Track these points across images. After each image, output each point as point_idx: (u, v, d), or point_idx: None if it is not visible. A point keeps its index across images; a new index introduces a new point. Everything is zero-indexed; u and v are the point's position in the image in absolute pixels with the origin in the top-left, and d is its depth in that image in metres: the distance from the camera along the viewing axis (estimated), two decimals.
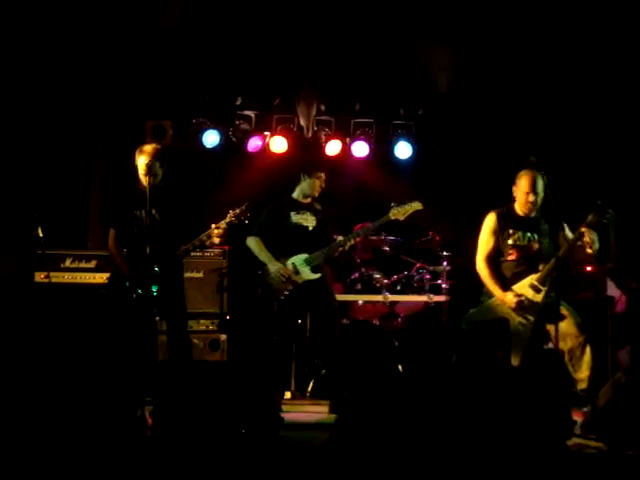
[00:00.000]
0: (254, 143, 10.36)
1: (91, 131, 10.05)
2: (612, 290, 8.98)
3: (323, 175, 7.56)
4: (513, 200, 7.21)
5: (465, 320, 7.15)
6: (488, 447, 6.24)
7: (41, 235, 8.05)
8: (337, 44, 9.68)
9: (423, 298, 9.41)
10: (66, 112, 9.81)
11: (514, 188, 7.18)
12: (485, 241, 7.17)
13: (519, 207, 7.15)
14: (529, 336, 6.85)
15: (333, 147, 10.42)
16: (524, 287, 6.96)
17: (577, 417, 6.62)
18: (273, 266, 7.33)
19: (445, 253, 9.45)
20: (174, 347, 7.13)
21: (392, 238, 9.63)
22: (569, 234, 6.97)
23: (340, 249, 7.38)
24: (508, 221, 7.13)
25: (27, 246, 8.67)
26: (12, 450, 5.58)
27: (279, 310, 7.35)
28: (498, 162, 9.85)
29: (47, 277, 8.32)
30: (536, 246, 7.04)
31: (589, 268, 9.19)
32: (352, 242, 7.45)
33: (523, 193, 7.09)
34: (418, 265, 9.66)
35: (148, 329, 6.88)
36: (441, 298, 9.37)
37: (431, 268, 9.55)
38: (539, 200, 7.06)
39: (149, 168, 6.90)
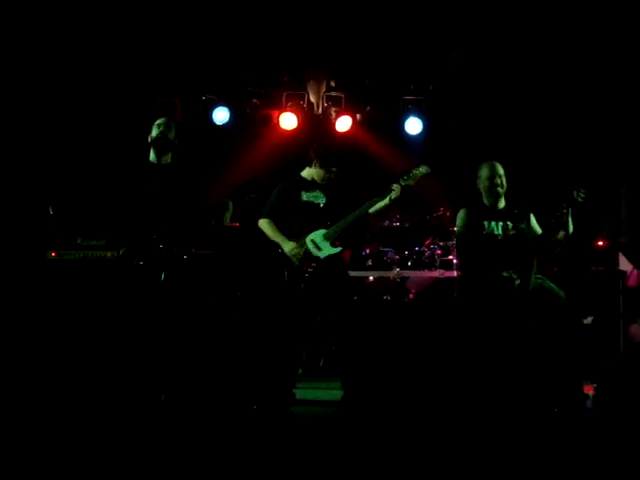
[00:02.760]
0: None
1: (102, 107, 9.98)
2: (624, 264, 8.94)
3: (335, 170, 7.48)
4: (480, 196, 7.27)
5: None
6: (498, 422, 6.22)
7: (52, 213, 8.01)
8: (346, 20, 9.61)
9: (434, 274, 9.35)
10: (76, 89, 9.76)
11: (478, 182, 7.34)
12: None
13: (487, 198, 7.22)
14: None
15: (343, 123, 10.35)
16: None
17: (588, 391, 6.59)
18: (287, 246, 7.26)
19: (456, 229, 9.32)
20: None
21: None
22: (535, 224, 7.18)
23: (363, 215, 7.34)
24: (480, 214, 7.18)
25: (39, 224, 8.65)
26: (24, 430, 5.59)
27: (306, 289, 7.28)
28: (509, 137, 9.77)
29: (58, 254, 8.29)
30: (512, 233, 7.10)
31: (600, 243, 9.14)
32: (376, 208, 7.36)
33: (487, 179, 7.24)
34: (429, 241, 9.59)
35: (158, 301, 6.83)
36: (452, 273, 9.32)
37: (442, 244, 9.50)
38: (504, 183, 7.23)
39: (166, 139, 6.86)
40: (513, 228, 7.14)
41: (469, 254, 7.29)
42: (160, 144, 6.87)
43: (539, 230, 7.19)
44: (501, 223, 7.17)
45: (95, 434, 5.74)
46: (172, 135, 6.97)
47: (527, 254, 6.94)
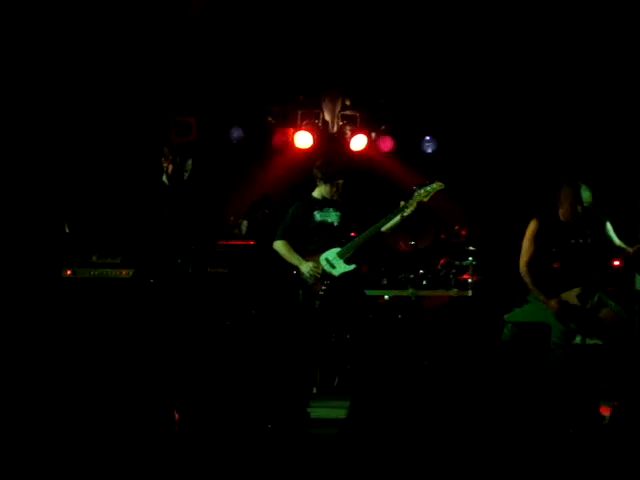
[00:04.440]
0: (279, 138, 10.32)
1: (117, 128, 10.01)
2: None
3: (340, 182, 7.45)
4: (556, 207, 7.13)
5: (507, 319, 7.10)
6: (512, 441, 6.16)
7: (68, 231, 8.01)
8: (361, 39, 9.64)
9: (449, 293, 9.31)
10: (93, 108, 9.80)
11: (559, 195, 7.13)
12: (527, 247, 7.11)
13: (563, 215, 7.08)
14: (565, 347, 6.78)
15: (358, 142, 10.37)
16: (571, 295, 6.88)
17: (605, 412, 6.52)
18: (305, 267, 7.25)
19: (471, 248, 9.34)
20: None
21: None
22: (613, 236, 7.06)
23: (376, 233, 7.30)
24: (552, 228, 7.06)
25: (54, 242, 8.67)
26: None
27: (321, 307, 7.26)
28: (524, 157, 9.74)
29: (73, 272, 8.29)
30: (582, 251, 6.98)
31: (617, 262, 9.08)
32: (389, 225, 7.32)
33: (569, 204, 7.05)
34: (444, 260, 9.55)
35: (172, 326, 6.82)
36: (467, 293, 9.27)
37: (457, 263, 9.44)
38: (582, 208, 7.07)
39: (180, 166, 6.87)
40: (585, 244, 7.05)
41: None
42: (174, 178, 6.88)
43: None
44: (572, 240, 7.04)
45: (109, 454, 5.70)
46: (187, 164, 6.98)
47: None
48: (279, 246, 7.44)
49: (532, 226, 7.15)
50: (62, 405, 6.56)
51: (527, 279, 7.03)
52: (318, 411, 7.32)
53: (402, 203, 7.19)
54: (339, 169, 7.46)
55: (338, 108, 10.43)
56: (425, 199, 7.22)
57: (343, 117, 10.44)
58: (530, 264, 7.05)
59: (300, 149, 10.34)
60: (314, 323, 7.29)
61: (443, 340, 9.04)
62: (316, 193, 7.52)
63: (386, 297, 9.54)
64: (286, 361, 7.88)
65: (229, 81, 10.09)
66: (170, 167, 6.91)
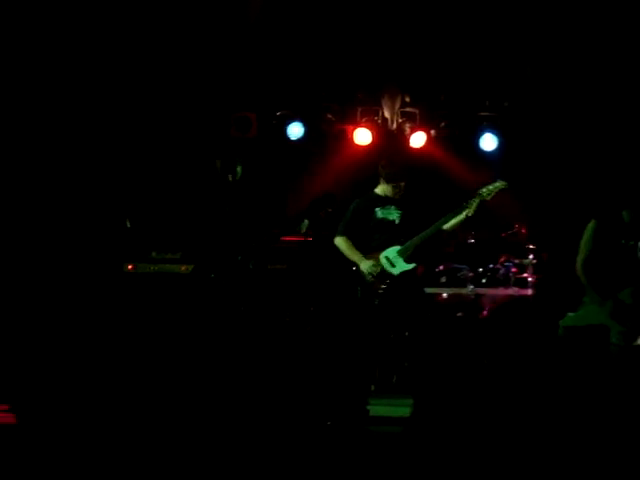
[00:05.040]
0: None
1: (179, 123, 10.08)
2: None
3: (402, 184, 7.42)
4: (617, 207, 7.02)
5: (562, 324, 7.01)
6: (575, 439, 6.09)
7: (129, 226, 8.10)
8: (421, 36, 9.56)
9: (509, 291, 9.22)
10: (155, 105, 9.89)
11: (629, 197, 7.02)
12: (584, 246, 7.02)
13: (628, 216, 6.98)
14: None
15: (418, 139, 10.29)
16: (626, 294, 6.78)
17: None
18: (365, 264, 7.24)
19: (531, 246, 9.25)
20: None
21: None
22: None
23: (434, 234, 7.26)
24: (613, 229, 6.95)
25: (117, 238, 8.77)
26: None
27: (380, 305, 7.25)
28: (588, 154, 9.60)
29: (135, 267, 8.38)
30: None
31: None
32: (451, 224, 7.29)
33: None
34: (504, 258, 9.47)
35: (231, 321, 6.87)
36: (527, 292, 9.17)
37: (517, 261, 9.36)
38: None
39: (227, 167, 6.92)
40: None
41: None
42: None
43: None
44: (632, 242, 6.85)
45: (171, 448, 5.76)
46: (234, 165, 7.02)
47: None
48: (340, 242, 7.43)
49: (591, 226, 7.05)
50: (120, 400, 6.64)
51: (583, 278, 6.94)
52: (377, 409, 7.27)
53: (468, 202, 7.12)
54: (403, 171, 7.42)
55: (397, 105, 10.35)
56: (488, 198, 7.15)
57: (402, 114, 10.34)
58: (586, 263, 6.95)
59: (359, 146, 10.27)
60: (373, 320, 7.26)
61: (503, 338, 8.95)
62: (379, 190, 7.49)
63: (444, 295, 9.47)
64: (345, 358, 7.88)
65: (289, 78, 10.08)
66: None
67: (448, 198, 9.09)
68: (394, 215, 7.34)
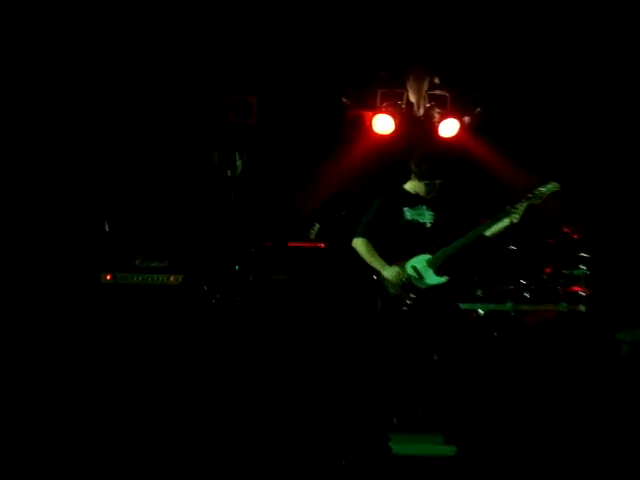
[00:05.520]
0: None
1: (165, 108, 10.03)
2: None
3: (438, 182, 7.38)
4: None
5: (621, 339, 6.96)
6: None
7: (108, 230, 8.06)
8: (452, 5, 9.51)
9: (557, 308, 9.15)
10: (137, 88, 9.86)
11: None
12: None
13: None
14: None
15: (448, 127, 10.28)
16: None
17: None
18: (388, 272, 7.18)
19: (584, 255, 9.16)
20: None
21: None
22: None
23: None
24: None
25: (92, 243, 8.73)
26: None
27: (404, 322, 7.21)
28: None
29: (114, 278, 8.34)
30: None
31: None
32: (492, 231, 7.24)
33: None
34: (551, 268, 9.41)
35: (231, 343, 6.83)
36: (579, 308, 9.10)
37: (566, 272, 9.29)
38: None
39: (225, 160, 6.86)
40: None
41: None
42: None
43: None
44: None
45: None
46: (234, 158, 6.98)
47: None
48: (359, 245, 7.36)
49: None
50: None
51: None
52: (400, 446, 7.18)
53: (514, 206, 7.05)
54: (440, 166, 7.35)
55: (425, 87, 10.31)
56: (538, 202, 7.10)
57: (431, 98, 10.32)
58: None
59: (379, 135, 10.23)
60: (395, 340, 7.19)
61: (549, 365, 8.88)
62: (408, 186, 7.42)
63: (480, 312, 9.41)
64: (362, 384, 7.86)
65: (296, 53, 10.01)
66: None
67: (488, 199, 9.10)
68: (426, 217, 7.27)
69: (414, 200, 7.31)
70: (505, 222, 7.05)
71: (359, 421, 7.28)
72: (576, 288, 9.25)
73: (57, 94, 9.43)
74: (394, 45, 9.91)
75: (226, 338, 6.77)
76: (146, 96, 9.86)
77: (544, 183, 7.08)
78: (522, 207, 7.02)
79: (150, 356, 7.99)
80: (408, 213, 7.26)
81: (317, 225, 6.86)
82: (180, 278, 7.88)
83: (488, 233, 7.13)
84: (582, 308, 9.09)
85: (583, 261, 9.20)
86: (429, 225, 7.23)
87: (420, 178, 7.26)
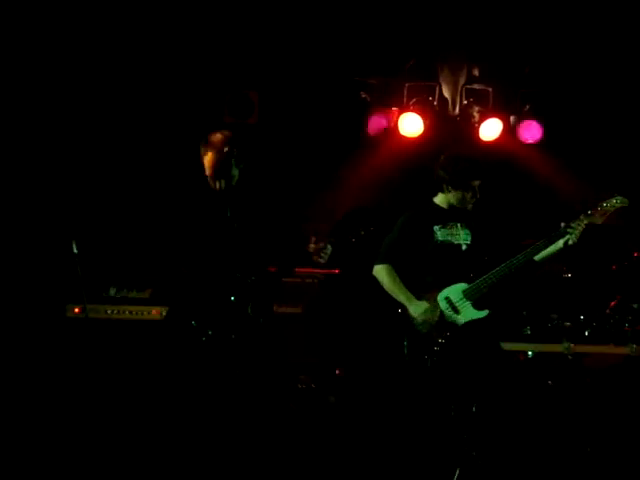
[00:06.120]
0: (377, 123, 10.26)
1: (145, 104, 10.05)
2: None
3: (477, 183, 7.39)
4: None
5: None
6: None
7: (76, 252, 8.06)
8: None
9: (623, 350, 9.11)
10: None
11: None
12: None
13: None
14: None
15: (491, 129, 10.31)
16: None
17: None
18: (416, 308, 7.18)
19: None
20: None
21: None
22: None
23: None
24: None
25: (58, 268, 8.72)
26: None
27: (436, 366, 7.20)
28: None
29: (83, 311, 8.33)
30: None
31: None
32: (544, 254, 7.23)
33: None
34: (616, 301, 9.37)
35: (224, 387, 6.79)
36: None
37: (636, 306, 9.25)
38: None
39: (219, 168, 6.83)
40: None
41: None
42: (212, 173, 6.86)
43: None
44: None
45: None
46: (229, 166, 6.96)
47: None
48: (381, 272, 7.37)
49: None
50: None
51: None
52: None
53: (570, 224, 7.04)
54: (475, 167, 7.36)
55: (462, 80, 10.36)
56: (599, 221, 7.08)
57: (469, 93, 10.36)
58: None
59: (407, 138, 10.28)
60: (425, 388, 7.21)
61: (614, 416, 8.83)
62: (440, 200, 7.42)
63: (529, 353, 9.38)
64: (385, 441, 7.91)
65: (306, 41, 10.06)
66: (206, 167, 6.89)
67: (537, 216, 9.09)
68: (461, 237, 7.28)
69: (446, 216, 7.31)
70: (559, 244, 7.04)
71: None
72: None
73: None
74: (424, 28, 9.93)
75: (218, 384, 6.71)
76: (123, 90, 9.90)
77: (608, 197, 7.06)
78: (580, 226, 7.00)
79: (127, 407, 7.99)
80: (439, 233, 7.27)
81: (330, 247, 6.82)
82: (164, 311, 7.85)
83: (538, 257, 7.12)
84: None
85: None
86: (465, 247, 7.25)
87: (453, 185, 7.28)
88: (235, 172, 6.90)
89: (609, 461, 8.26)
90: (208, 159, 6.86)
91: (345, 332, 9.21)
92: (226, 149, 6.86)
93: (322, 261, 6.90)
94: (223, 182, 6.75)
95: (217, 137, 6.93)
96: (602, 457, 8.32)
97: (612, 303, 9.45)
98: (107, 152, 9.95)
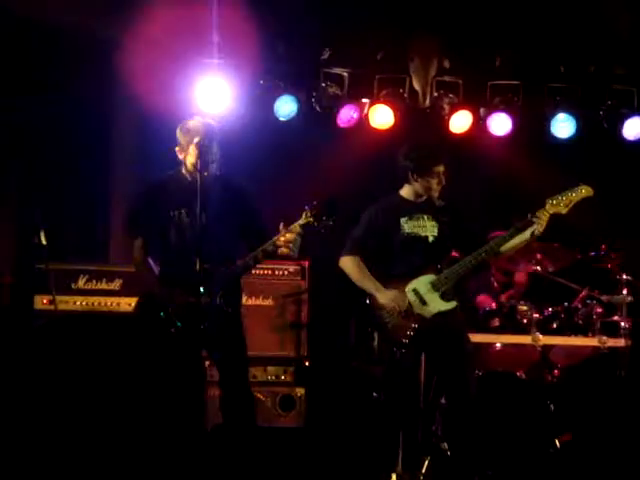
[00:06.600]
0: (347, 115, 10.25)
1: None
2: None
3: (442, 168, 7.39)
4: None
5: None
6: None
7: (44, 243, 8.01)
8: None
9: (592, 341, 9.11)
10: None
11: None
12: None
13: None
14: None
15: (461, 121, 10.32)
16: None
17: None
18: (384, 296, 7.17)
19: (626, 277, 9.14)
20: (230, 405, 6.99)
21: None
22: None
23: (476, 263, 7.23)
24: None
25: (24, 259, 8.66)
26: None
27: (404, 358, 7.20)
28: None
29: (52, 302, 8.28)
30: None
31: None
32: (511, 245, 7.24)
33: None
34: (584, 293, 9.39)
35: (193, 378, 6.77)
36: (619, 342, 9.05)
37: (604, 298, 9.27)
38: None
39: (203, 155, 6.81)
40: None
41: None
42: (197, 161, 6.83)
43: None
44: None
45: None
46: (212, 151, 6.95)
47: None
48: (348, 263, 7.36)
49: None
50: None
51: None
52: None
53: (535, 214, 7.06)
54: (437, 151, 7.38)
55: (432, 72, 10.32)
56: (564, 210, 7.10)
57: (439, 85, 10.32)
58: None
59: (376, 130, 10.28)
60: (394, 381, 7.21)
61: (583, 410, 8.85)
62: (406, 192, 7.42)
63: (498, 345, 9.38)
64: (353, 434, 8.05)
65: (277, 34, 9.98)
66: (191, 155, 6.86)
67: (505, 206, 9.10)
68: (428, 229, 7.28)
69: (413, 208, 7.32)
70: (526, 234, 7.05)
71: (354, 478, 7.30)
72: (616, 318, 9.20)
73: None
74: (395, 19, 9.89)
75: (188, 376, 6.69)
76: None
77: (573, 187, 7.09)
78: (546, 215, 7.02)
79: (96, 398, 7.94)
80: (406, 225, 7.27)
81: (299, 239, 6.80)
82: (134, 303, 7.80)
83: (505, 248, 7.13)
84: (623, 342, 9.03)
85: (625, 285, 9.12)
86: (432, 239, 7.25)
87: (418, 173, 7.28)
88: (215, 158, 6.91)
89: (576, 452, 8.29)
90: (189, 148, 6.85)
91: (316, 323, 9.19)
92: (208, 139, 6.86)
93: (292, 254, 6.89)
94: (198, 173, 6.74)
95: (199, 125, 6.94)
96: (570, 448, 8.36)
97: (581, 295, 9.47)
98: (78, 141, 9.88)
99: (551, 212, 7.08)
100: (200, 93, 9.65)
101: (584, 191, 7.12)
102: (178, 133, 6.98)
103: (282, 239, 6.76)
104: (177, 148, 6.95)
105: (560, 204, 7.08)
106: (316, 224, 6.83)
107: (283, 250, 6.83)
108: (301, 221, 6.82)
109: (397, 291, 7.13)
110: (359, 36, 10.08)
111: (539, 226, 7.03)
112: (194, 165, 6.79)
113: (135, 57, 9.20)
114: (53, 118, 9.64)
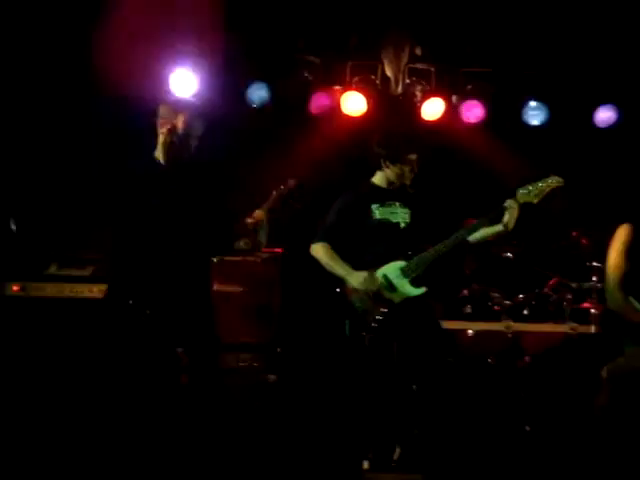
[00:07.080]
0: (319, 102, 10.24)
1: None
2: None
3: (414, 156, 7.40)
4: None
5: (608, 371, 6.96)
6: None
7: (14, 228, 7.99)
8: None
9: (562, 328, 9.16)
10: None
11: None
12: (618, 264, 6.99)
13: None
14: None
15: (433, 108, 10.33)
16: None
17: None
18: (354, 279, 7.17)
19: (595, 264, 9.17)
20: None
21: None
22: None
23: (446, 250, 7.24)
24: None
25: None
26: None
27: (373, 344, 7.20)
28: None
29: (23, 289, 8.26)
30: None
31: None
32: (481, 235, 7.26)
33: None
34: (555, 280, 9.41)
35: (163, 365, 6.77)
36: (589, 328, 9.11)
37: (574, 285, 9.31)
38: None
39: (186, 135, 6.81)
40: None
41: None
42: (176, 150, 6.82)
43: None
44: None
45: None
46: (195, 132, 6.94)
47: None
48: (319, 250, 7.34)
49: (623, 233, 7.04)
50: None
51: (620, 305, 6.90)
52: None
53: (506, 204, 7.07)
54: (410, 139, 7.38)
55: (405, 59, 10.34)
56: (535, 200, 7.12)
57: (412, 72, 10.34)
58: (623, 286, 6.93)
59: (349, 117, 10.29)
60: (364, 365, 7.20)
61: (552, 395, 8.89)
62: (378, 179, 7.43)
63: (470, 332, 9.42)
64: (325, 421, 7.98)
65: (250, 19, 9.97)
66: (167, 137, 6.84)
67: (477, 195, 9.12)
68: (399, 216, 7.27)
69: (385, 195, 7.30)
70: (497, 227, 7.08)
71: (322, 469, 7.28)
72: (586, 305, 9.24)
73: None
74: (367, 6, 9.89)
75: (156, 363, 6.69)
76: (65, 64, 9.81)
77: (544, 177, 7.11)
78: (517, 204, 7.04)
79: (66, 386, 7.93)
80: (377, 211, 7.26)
81: (267, 226, 6.82)
82: (104, 288, 7.80)
83: (475, 237, 7.15)
84: (593, 329, 9.06)
85: (595, 272, 9.16)
86: (403, 225, 7.24)
87: (391, 160, 7.28)
88: (190, 149, 6.90)
89: (547, 439, 8.32)
90: (165, 135, 6.82)
91: (287, 312, 9.19)
92: (186, 126, 6.85)
93: (261, 240, 6.91)
94: (173, 155, 6.74)
95: (176, 113, 6.92)
96: (541, 435, 8.39)
97: (551, 282, 9.51)
98: (52, 125, 9.84)
99: (521, 201, 7.09)
100: (173, 79, 9.64)
101: (554, 181, 7.14)
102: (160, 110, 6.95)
103: (250, 222, 6.78)
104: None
105: (530, 194, 7.10)
106: (280, 206, 6.85)
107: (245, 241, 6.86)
108: (266, 205, 6.84)
109: (368, 273, 7.13)
110: (331, 23, 10.09)
111: (510, 216, 7.04)
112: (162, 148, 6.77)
113: (109, 42, 9.18)
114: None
